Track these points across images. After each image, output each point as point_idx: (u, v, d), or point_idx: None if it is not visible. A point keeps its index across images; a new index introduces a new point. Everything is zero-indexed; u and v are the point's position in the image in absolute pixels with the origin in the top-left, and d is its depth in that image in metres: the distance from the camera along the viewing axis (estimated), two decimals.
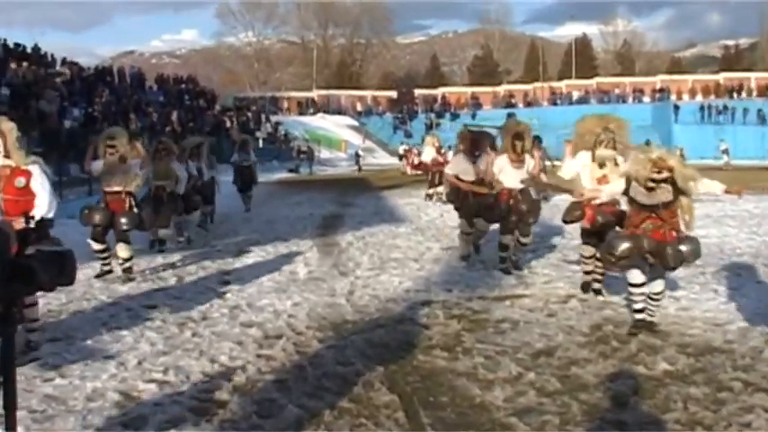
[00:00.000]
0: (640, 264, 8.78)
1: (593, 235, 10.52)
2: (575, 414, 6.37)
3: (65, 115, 34.37)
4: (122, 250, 12.50)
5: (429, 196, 26.45)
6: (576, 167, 10.83)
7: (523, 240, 13.16)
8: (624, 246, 8.63)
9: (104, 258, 12.73)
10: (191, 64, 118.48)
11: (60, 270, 3.09)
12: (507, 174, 12.58)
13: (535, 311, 9.99)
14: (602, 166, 10.37)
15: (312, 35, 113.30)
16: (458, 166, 14.07)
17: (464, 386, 7.04)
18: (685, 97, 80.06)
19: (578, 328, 9.12)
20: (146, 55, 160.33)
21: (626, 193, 9.00)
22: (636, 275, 8.83)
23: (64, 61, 43.75)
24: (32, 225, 2.95)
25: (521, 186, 12.62)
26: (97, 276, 12.50)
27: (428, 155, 26.92)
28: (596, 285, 10.91)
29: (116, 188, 12.36)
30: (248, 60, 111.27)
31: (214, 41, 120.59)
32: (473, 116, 77.02)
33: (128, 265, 12.61)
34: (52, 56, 43.31)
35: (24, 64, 35.63)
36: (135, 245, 13.27)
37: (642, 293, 8.91)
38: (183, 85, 60.57)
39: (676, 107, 74.23)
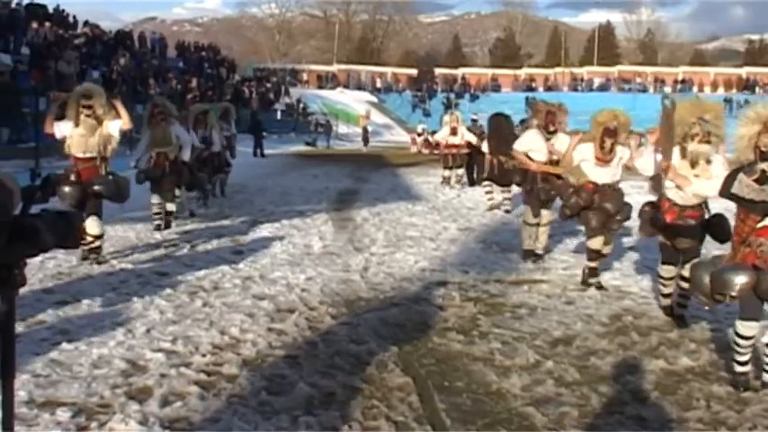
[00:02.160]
0: (756, 307, 6.90)
1: (676, 252, 8.74)
2: (594, 407, 6.16)
3: (84, 77, 34.22)
4: (92, 226, 10.67)
5: (446, 180, 23.92)
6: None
7: (604, 251, 10.66)
8: (742, 280, 6.65)
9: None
10: (212, 32, 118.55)
11: (65, 232, 2.89)
12: (590, 169, 10.45)
13: (553, 298, 9.77)
14: (694, 164, 8.40)
15: (335, 9, 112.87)
16: (528, 143, 12.41)
17: (480, 372, 6.83)
18: (707, 90, 79.29)
19: (597, 317, 8.90)
20: (167, 22, 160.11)
21: (728, 195, 6.92)
22: (749, 327, 6.90)
23: (85, 23, 43.53)
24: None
25: (609, 182, 10.45)
26: (83, 259, 10.99)
27: (442, 134, 24.06)
28: (679, 311, 8.85)
29: (90, 154, 10.89)
30: (270, 32, 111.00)
31: (237, 11, 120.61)
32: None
33: (97, 243, 10.98)
34: (74, 17, 43.10)
35: (46, 24, 35.48)
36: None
37: (751, 345, 6.97)
38: (204, 53, 60.30)
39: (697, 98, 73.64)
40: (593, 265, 10.50)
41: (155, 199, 14.17)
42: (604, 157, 10.34)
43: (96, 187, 10.78)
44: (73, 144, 10.91)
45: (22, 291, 8.59)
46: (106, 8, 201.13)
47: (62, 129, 10.98)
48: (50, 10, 40.64)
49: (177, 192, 14.85)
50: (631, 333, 8.23)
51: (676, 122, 8.42)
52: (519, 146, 12.60)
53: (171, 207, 14.44)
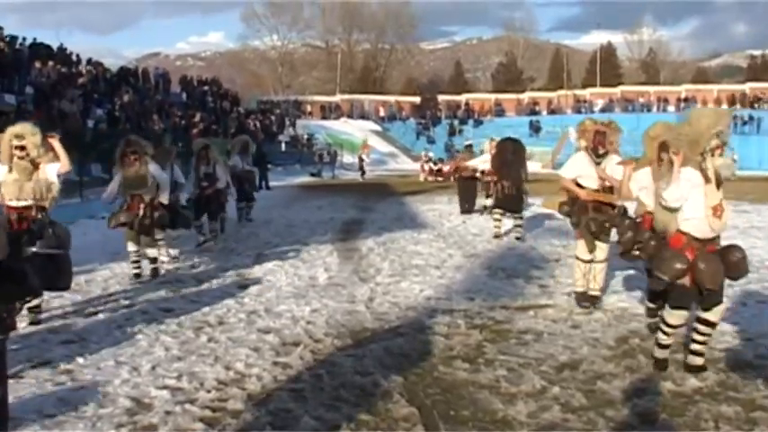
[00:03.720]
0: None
1: (694, 295, 7.66)
2: None
3: (88, 115, 34.38)
4: None
5: (487, 209, 21.80)
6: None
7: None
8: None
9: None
10: (215, 66, 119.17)
11: (56, 274, 2.90)
12: (651, 194, 8.74)
13: (559, 323, 9.75)
14: (720, 185, 7.44)
15: (336, 39, 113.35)
16: (576, 168, 10.95)
17: (486, 399, 6.82)
18: (711, 107, 79.50)
19: (604, 340, 8.88)
20: (171, 57, 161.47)
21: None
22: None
23: (89, 62, 43.73)
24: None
25: None
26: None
27: (482, 162, 22.07)
28: (697, 360, 7.78)
29: (25, 202, 9.29)
30: (272, 64, 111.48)
31: (239, 44, 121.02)
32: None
33: (36, 302, 8.98)
34: (77, 56, 43.28)
35: (50, 63, 35.64)
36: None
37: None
38: (207, 87, 60.48)
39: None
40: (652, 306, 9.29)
41: (131, 246, 13.02)
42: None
43: (34, 249, 8.00)
44: (6, 191, 9.47)
45: (27, 330, 8.62)
46: (110, 45, 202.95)
47: None
48: (54, 49, 40.86)
49: (160, 234, 13.76)
50: (638, 356, 8.21)
51: (693, 137, 7.61)
52: (566, 172, 11.09)
53: (153, 253, 13.31)
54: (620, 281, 12.05)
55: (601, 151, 10.68)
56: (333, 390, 7.03)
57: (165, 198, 13.30)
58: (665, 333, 7.80)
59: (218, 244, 16.54)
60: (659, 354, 7.87)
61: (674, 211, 7.68)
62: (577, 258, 11.02)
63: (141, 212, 12.86)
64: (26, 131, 9.73)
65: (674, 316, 7.69)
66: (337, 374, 7.49)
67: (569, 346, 8.58)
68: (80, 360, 7.91)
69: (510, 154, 18.04)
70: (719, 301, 7.63)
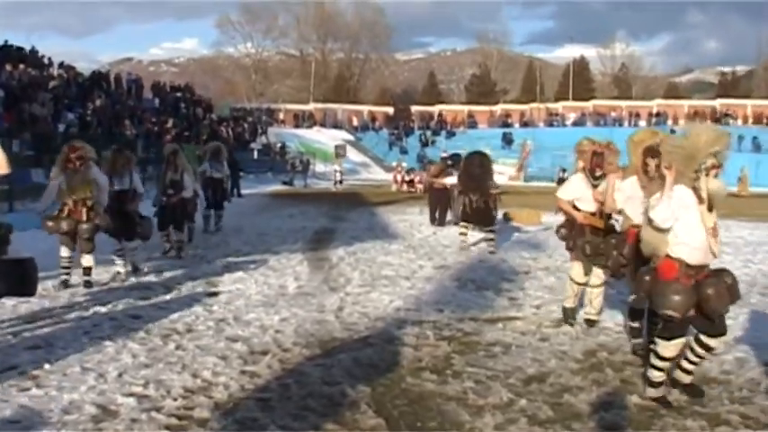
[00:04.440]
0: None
1: (688, 321, 7.23)
2: None
3: (59, 119, 34.23)
4: None
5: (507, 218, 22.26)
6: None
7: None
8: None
9: None
10: (188, 73, 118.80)
11: (21, 280, 2.88)
12: (637, 205, 8.79)
13: (527, 335, 9.77)
14: (712, 208, 7.09)
15: (311, 48, 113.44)
16: (573, 190, 10.58)
17: (453, 411, 6.83)
18: (681, 122, 79.72)
19: (572, 353, 8.91)
20: (144, 62, 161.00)
21: None
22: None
23: (61, 65, 43.57)
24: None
25: None
26: None
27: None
28: (686, 378, 7.58)
29: None
30: (246, 71, 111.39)
31: (213, 51, 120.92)
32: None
33: None
34: (49, 59, 43.12)
35: (21, 66, 35.47)
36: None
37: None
38: (180, 94, 60.37)
39: (672, 132, 73.76)
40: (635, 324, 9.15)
41: (64, 252, 12.49)
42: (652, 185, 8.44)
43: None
44: None
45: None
46: (83, 49, 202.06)
47: None
48: (26, 52, 40.66)
49: (120, 245, 13.66)
50: (606, 369, 8.25)
51: (689, 152, 7.07)
52: (563, 194, 10.70)
53: (89, 261, 12.64)
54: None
55: (598, 173, 10.27)
56: (300, 399, 7.02)
57: (103, 201, 12.75)
58: (658, 369, 7.24)
59: (183, 253, 16.25)
60: (655, 393, 7.27)
61: (663, 231, 7.19)
62: (571, 279, 10.67)
63: (85, 218, 12.39)
64: None
65: (670, 348, 7.15)
66: (305, 384, 7.47)
67: (537, 359, 8.61)
68: (46, 366, 7.85)
69: (477, 167, 18.10)
70: (724, 332, 7.33)
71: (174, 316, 10.38)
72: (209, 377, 7.66)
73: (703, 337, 7.29)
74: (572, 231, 10.57)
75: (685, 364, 7.51)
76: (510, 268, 15.18)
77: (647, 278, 7.35)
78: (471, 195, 17.69)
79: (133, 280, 13.20)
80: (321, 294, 12.22)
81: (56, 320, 9.98)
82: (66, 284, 12.38)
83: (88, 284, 12.47)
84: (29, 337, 9.08)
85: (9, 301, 10.07)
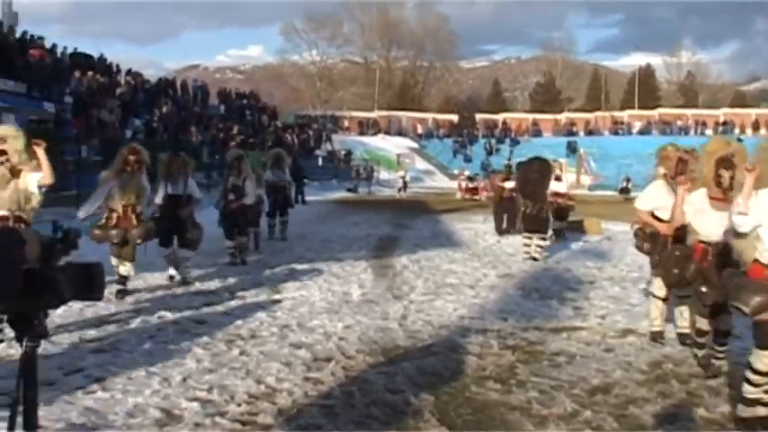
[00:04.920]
0: None
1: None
2: None
3: (126, 125, 34.68)
4: None
5: (554, 232, 21.12)
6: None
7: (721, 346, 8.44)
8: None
9: None
10: (254, 80, 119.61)
11: (88, 284, 2.88)
12: (706, 218, 8.27)
13: (592, 345, 9.65)
14: None
15: (375, 56, 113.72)
16: (654, 199, 9.99)
17: (517, 421, 6.75)
18: (748, 131, 78.73)
19: (636, 364, 8.77)
20: (210, 69, 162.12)
21: None
22: None
23: (128, 72, 44.14)
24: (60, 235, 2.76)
25: (724, 240, 7.85)
26: None
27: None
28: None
29: (1, 212, 8.66)
30: (311, 78, 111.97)
31: (278, 58, 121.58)
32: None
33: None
34: (117, 66, 43.73)
35: (89, 73, 35.98)
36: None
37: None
38: (245, 101, 60.95)
39: (740, 141, 72.91)
40: (701, 341, 8.71)
41: (115, 262, 12.09)
42: (724, 196, 8.05)
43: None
44: None
45: (60, 338, 8.64)
46: (151, 56, 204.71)
47: None
48: (94, 59, 41.24)
49: (187, 253, 13.60)
50: (671, 380, 8.11)
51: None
52: (642, 203, 10.14)
53: (127, 270, 12.18)
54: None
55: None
56: (364, 407, 6.99)
57: (145, 209, 12.59)
58: (753, 384, 6.61)
59: (244, 257, 16.21)
60: (749, 412, 6.68)
61: (747, 236, 6.78)
62: (654, 296, 10.03)
63: (135, 224, 12.06)
64: (8, 134, 8.95)
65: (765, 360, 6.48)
66: (368, 392, 7.44)
67: (602, 370, 8.49)
68: (111, 369, 7.91)
69: (535, 173, 17.92)
70: None
71: (239, 322, 10.42)
72: (273, 383, 7.66)
73: None
74: (655, 244, 9.88)
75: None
76: (574, 277, 15.05)
77: (733, 280, 6.82)
78: (528, 202, 17.56)
79: (198, 285, 13.26)
80: (385, 302, 12.21)
81: (122, 324, 10.07)
82: (123, 294, 11.96)
83: (123, 293, 11.99)
84: (95, 340, 9.18)
85: (76, 305, 10.18)
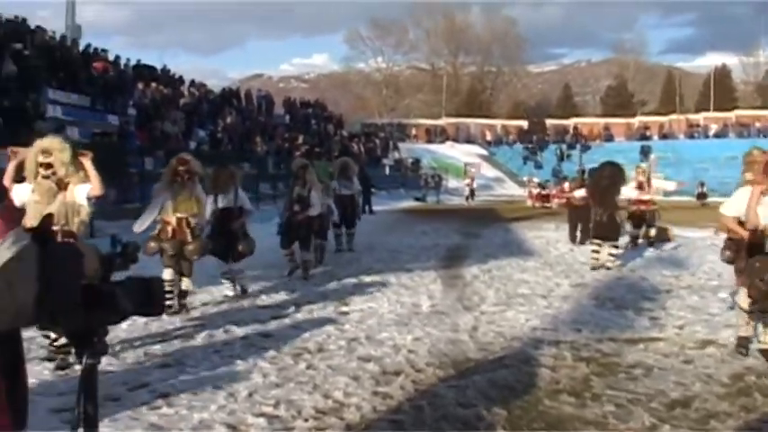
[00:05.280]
0: None
1: None
2: None
3: (190, 136, 35.02)
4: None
5: (633, 240, 21.10)
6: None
7: None
8: None
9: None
10: (319, 88, 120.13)
11: (148, 299, 2.87)
12: None
13: (670, 357, 9.47)
14: None
15: (442, 62, 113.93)
16: (739, 205, 9.38)
17: None
18: None
19: (717, 377, 8.58)
20: (274, 78, 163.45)
21: None
22: None
23: (192, 83, 44.58)
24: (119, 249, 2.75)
25: None
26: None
27: (627, 191, 20.22)
28: None
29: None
30: (377, 86, 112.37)
31: (343, 66, 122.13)
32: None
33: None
34: (180, 77, 44.16)
35: (153, 84, 36.40)
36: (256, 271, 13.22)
37: None
38: (311, 110, 61.30)
39: None
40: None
41: (168, 275, 11.72)
42: None
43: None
44: (28, 213, 8.40)
45: (124, 353, 8.68)
46: (214, 66, 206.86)
47: (20, 194, 8.90)
48: (158, 70, 41.73)
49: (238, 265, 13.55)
50: (754, 394, 7.92)
51: None
52: (727, 209, 9.63)
53: (187, 285, 12.12)
54: (734, 315, 11.70)
55: None
56: (434, 422, 6.93)
57: (204, 221, 12.45)
58: None
59: (309, 274, 15.78)
60: None
61: None
62: (740, 307, 9.55)
63: (190, 238, 11.90)
64: (54, 147, 8.84)
65: None
66: (439, 406, 7.38)
67: (681, 383, 8.32)
68: (176, 384, 7.94)
69: (606, 179, 17.64)
70: None
71: (306, 335, 10.40)
72: (341, 398, 7.62)
73: None
74: (739, 253, 9.62)
75: None
76: (651, 286, 14.83)
77: None
78: (598, 209, 17.32)
79: (265, 298, 13.29)
80: (455, 313, 12.12)
81: (187, 339, 10.11)
82: (171, 309, 11.64)
83: (185, 309, 11.95)
84: (159, 355, 9.23)
85: (140, 319, 10.25)
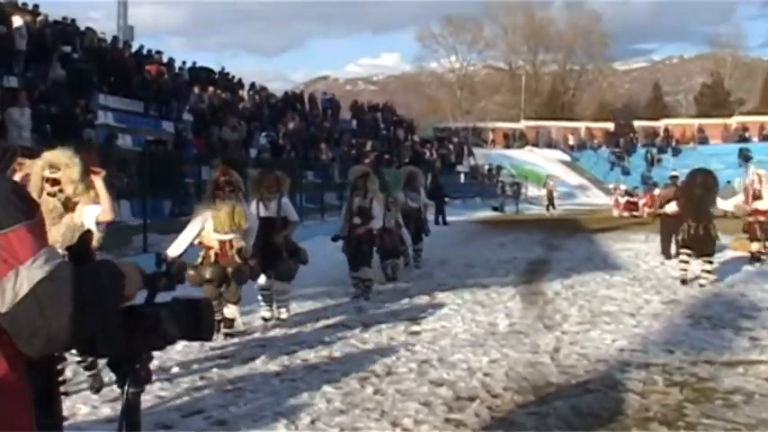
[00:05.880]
0: None
1: None
2: None
3: (250, 143, 35.20)
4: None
5: (753, 255, 20.31)
6: None
7: None
8: None
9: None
10: (388, 91, 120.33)
11: (195, 323, 2.84)
12: None
13: None
14: None
15: (521, 60, 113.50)
16: None
17: None
18: None
19: None
20: (340, 81, 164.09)
21: None
22: None
23: (252, 86, 44.85)
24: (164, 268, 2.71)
25: None
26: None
27: (738, 199, 20.40)
28: None
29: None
30: (451, 87, 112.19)
31: (415, 67, 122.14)
32: None
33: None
34: (239, 80, 44.45)
35: (210, 89, 36.61)
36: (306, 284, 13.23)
37: None
38: (379, 113, 61.37)
39: None
40: None
41: (215, 302, 11.19)
42: None
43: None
44: None
45: (179, 377, 8.72)
46: (276, 68, 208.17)
47: None
48: (215, 73, 42.02)
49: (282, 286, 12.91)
50: None
51: None
52: None
53: (231, 312, 11.80)
54: None
55: None
56: None
57: (250, 246, 11.76)
58: None
59: (369, 295, 15.36)
60: None
61: None
62: None
63: (235, 261, 11.46)
64: (62, 161, 8.30)
65: None
66: None
67: None
68: (234, 410, 7.97)
69: (698, 188, 17.29)
70: None
71: (373, 357, 10.39)
72: (411, 425, 7.59)
73: None
74: None
75: None
76: (750, 304, 14.59)
77: None
78: (690, 221, 16.97)
79: (329, 317, 13.28)
80: (535, 333, 12.04)
81: (245, 361, 10.14)
82: (230, 337, 11.57)
83: (228, 335, 11.62)
84: (217, 378, 9.27)
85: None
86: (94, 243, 7.62)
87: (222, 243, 11.46)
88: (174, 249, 11.27)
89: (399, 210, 18.80)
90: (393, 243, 17.32)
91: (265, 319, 12.94)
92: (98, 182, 8.51)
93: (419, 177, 21.18)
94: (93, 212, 8.38)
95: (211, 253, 11.55)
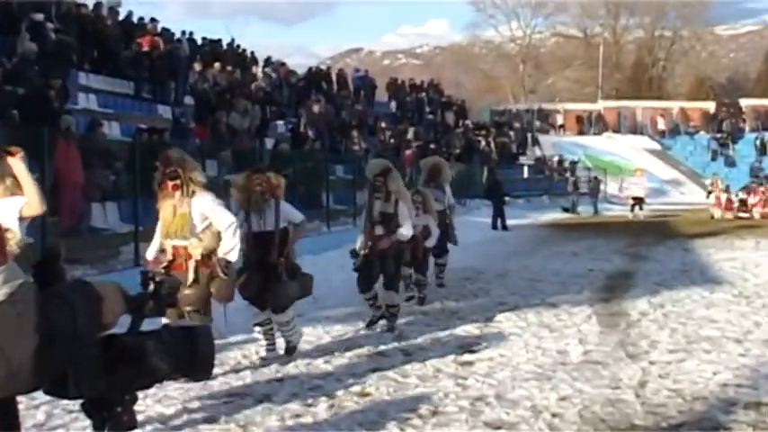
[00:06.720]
0: None
1: None
2: None
3: (265, 132, 35.11)
4: None
5: None
6: None
7: None
8: None
9: None
10: (435, 66, 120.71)
11: (190, 355, 2.84)
12: None
13: None
14: None
15: (598, 27, 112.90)
16: None
17: None
18: None
19: None
20: (376, 54, 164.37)
21: None
22: None
23: (267, 61, 44.74)
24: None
25: None
26: None
27: None
28: None
29: None
30: (511, 61, 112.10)
31: (467, 36, 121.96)
32: None
33: None
34: (252, 54, 44.31)
35: (216, 65, 36.39)
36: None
37: None
38: (424, 94, 61.32)
39: None
40: None
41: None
42: None
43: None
44: None
45: (176, 419, 8.78)
46: (298, 40, 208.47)
47: None
48: (222, 46, 41.91)
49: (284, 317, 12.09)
50: None
51: None
52: None
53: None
54: None
55: None
56: None
57: (233, 255, 11.14)
58: None
59: (395, 325, 14.66)
60: None
61: None
62: None
63: (191, 273, 10.95)
64: None
65: None
66: None
67: None
68: None
69: None
70: None
71: (416, 392, 10.41)
72: None
73: None
74: None
75: None
76: None
77: None
78: None
79: (362, 346, 13.25)
80: (615, 364, 12.01)
81: (260, 399, 10.14)
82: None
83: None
84: (222, 420, 9.26)
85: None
86: (14, 247, 6.93)
87: (175, 249, 11.10)
88: (152, 251, 11.46)
89: (433, 209, 17.44)
90: (418, 256, 16.29)
91: (263, 359, 12.11)
92: (17, 165, 7.77)
93: (444, 171, 19.89)
94: (14, 206, 7.93)
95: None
